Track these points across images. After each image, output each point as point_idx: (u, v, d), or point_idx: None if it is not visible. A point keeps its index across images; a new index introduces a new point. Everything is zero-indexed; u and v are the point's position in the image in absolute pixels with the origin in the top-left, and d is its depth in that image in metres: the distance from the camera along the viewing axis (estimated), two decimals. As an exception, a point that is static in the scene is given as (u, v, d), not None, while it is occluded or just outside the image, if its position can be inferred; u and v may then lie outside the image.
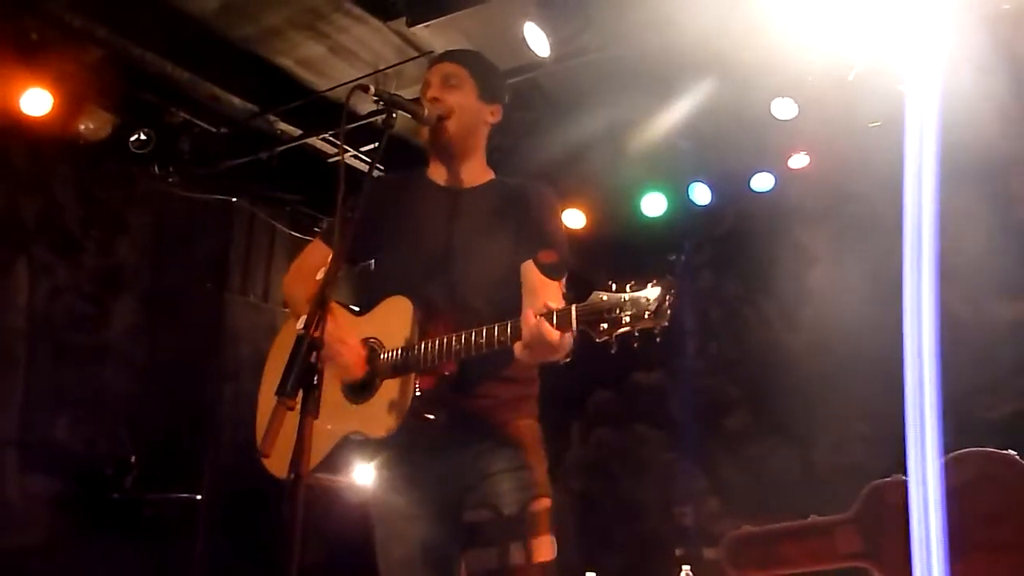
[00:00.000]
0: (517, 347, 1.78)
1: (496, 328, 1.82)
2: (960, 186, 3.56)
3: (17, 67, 3.99)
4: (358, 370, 1.96)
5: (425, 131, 2.15)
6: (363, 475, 2.13)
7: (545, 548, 1.95)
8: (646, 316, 1.66)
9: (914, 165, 3.19)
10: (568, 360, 1.89)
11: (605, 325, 1.69)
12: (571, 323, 1.72)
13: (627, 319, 1.67)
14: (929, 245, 3.10)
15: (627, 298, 1.68)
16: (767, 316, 5.22)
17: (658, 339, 1.67)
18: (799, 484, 4.79)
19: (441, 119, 2.11)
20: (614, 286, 1.71)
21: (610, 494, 5.40)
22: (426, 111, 2.08)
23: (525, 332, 1.75)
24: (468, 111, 2.16)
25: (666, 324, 1.66)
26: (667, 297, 1.66)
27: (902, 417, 3.40)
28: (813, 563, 3.89)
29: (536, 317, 1.75)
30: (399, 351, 1.94)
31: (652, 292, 1.67)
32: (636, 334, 1.68)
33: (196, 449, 4.75)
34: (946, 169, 3.22)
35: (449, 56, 2.26)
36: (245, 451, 2.13)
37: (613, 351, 1.70)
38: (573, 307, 1.73)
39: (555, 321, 1.74)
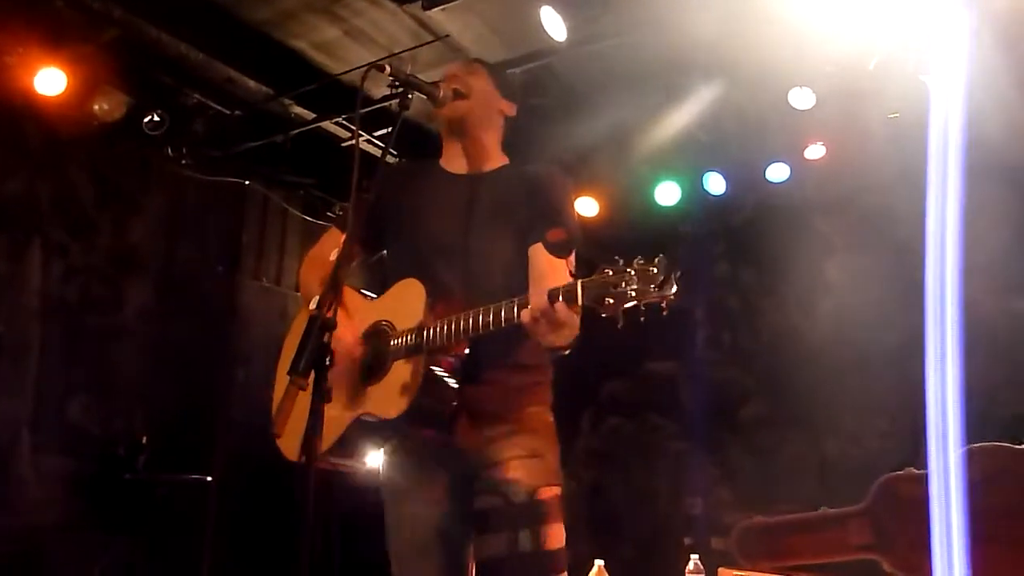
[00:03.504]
0: (525, 316, 1.75)
1: (503, 306, 1.81)
2: (983, 178, 3.50)
3: (32, 46, 3.98)
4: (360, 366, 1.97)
5: (442, 113, 2.14)
6: (374, 458, 2.12)
7: (555, 536, 1.94)
8: (652, 288, 1.63)
9: (938, 157, 3.14)
10: (569, 350, 1.87)
11: (611, 300, 1.66)
12: (577, 298, 1.70)
13: (633, 292, 1.64)
14: (953, 238, 3.06)
15: (633, 271, 1.65)
16: (782, 307, 5.18)
17: (665, 312, 1.64)
18: (811, 476, 4.77)
19: (460, 95, 2.11)
20: (621, 261, 1.68)
21: (620, 483, 5.40)
22: (442, 93, 2.08)
23: (533, 304, 1.73)
24: (485, 95, 2.18)
25: (673, 297, 1.63)
26: (675, 269, 1.63)
27: (918, 410, 3.37)
28: (823, 555, 3.88)
29: (543, 293, 1.73)
30: (410, 333, 1.93)
31: (659, 264, 1.65)
32: (643, 308, 1.65)
33: (208, 431, 4.76)
34: (969, 161, 3.18)
35: (465, 59, 2.32)
36: (256, 433, 2.13)
37: (619, 325, 1.66)
38: (578, 282, 1.71)
39: (561, 297, 1.71)
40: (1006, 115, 3.76)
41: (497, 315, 1.81)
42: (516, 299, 1.80)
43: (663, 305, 1.64)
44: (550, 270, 1.97)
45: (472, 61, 2.29)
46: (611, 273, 1.67)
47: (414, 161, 2.35)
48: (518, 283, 2.00)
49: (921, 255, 3.31)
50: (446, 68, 2.23)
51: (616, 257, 1.68)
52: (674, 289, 1.63)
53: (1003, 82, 3.68)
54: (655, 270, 1.64)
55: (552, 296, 1.72)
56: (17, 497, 4.15)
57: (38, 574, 4.07)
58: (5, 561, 3.94)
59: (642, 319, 1.66)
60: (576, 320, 1.76)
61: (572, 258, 1.99)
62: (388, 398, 1.92)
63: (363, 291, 2.18)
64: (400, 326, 1.97)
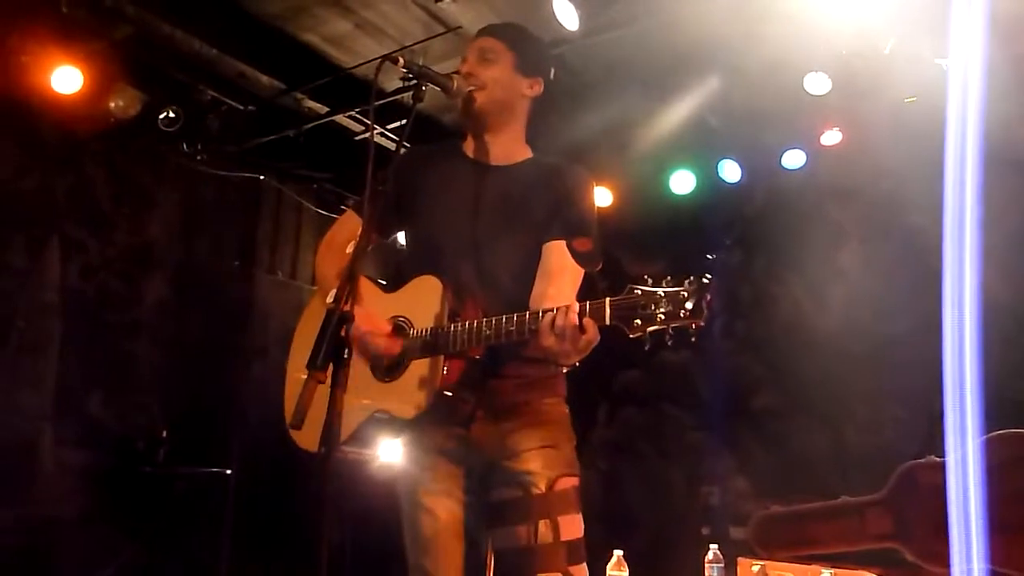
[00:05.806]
0: (545, 330, 1.73)
1: (527, 316, 1.78)
2: (999, 164, 3.46)
3: (48, 45, 4.02)
4: (389, 359, 1.97)
5: (457, 104, 2.11)
6: (390, 452, 2.12)
7: (573, 526, 1.93)
8: (682, 314, 1.61)
9: (955, 142, 3.11)
10: (572, 365, 1.85)
11: (639, 321, 1.64)
12: (604, 317, 1.68)
13: (662, 316, 1.62)
14: (971, 224, 3.02)
15: (663, 294, 1.62)
16: (797, 295, 5.14)
17: (693, 339, 1.61)
18: (828, 464, 4.74)
19: (471, 92, 2.08)
20: (650, 280, 1.66)
21: (637, 473, 5.39)
22: (455, 84, 2.05)
23: (558, 320, 1.71)
24: (501, 85, 2.12)
25: (703, 323, 1.60)
26: (705, 295, 1.60)
27: (934, 397, 3.35)
28: (843, 544, 3.86)
29: (567, 308, 1.71)
30: (428, 331, 1.92)
31: (689, 289, 1.61)
32: (670, 331, 1.63)
33: (225, 424, 4.80)
34: (985, 146, 3.14)
35: (488, 31, 2.20)
36: (273, 426, 2.14)
37: (647, 348, 1.65)
38: (607, 300, 1.68)
39: (588, 313, 1.69)
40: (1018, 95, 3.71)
41: (521, 326, 1.78)
42: (541, 311, 1.77)
43: (691, 329, 1.62)
44: (559, 272, 1.96)
45: (492, 38, 2.16)
46: (640, 293, 1.65)
47: (437, 144, 2.28)
48: (532, 277, 2.00)
49: (937, 241, 3.28)
50: (463, 59, 2.17)
51: (645, 275, 1.66)
52: (705, 316, 1.60)
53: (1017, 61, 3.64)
54: (685, 294, 1.61)
55: (579, 313, 1.70)
56: (38, 490, 4.20)
57: (59, 566, 4.12)
58: (27, 552, 3.99)
59: (669, 343, 1.63)
60: (597, 339, 1.74)
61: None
62: (405, 398, 1.91)
63: (379, 280, 2.17)
64: (418, 323, 1.96)
